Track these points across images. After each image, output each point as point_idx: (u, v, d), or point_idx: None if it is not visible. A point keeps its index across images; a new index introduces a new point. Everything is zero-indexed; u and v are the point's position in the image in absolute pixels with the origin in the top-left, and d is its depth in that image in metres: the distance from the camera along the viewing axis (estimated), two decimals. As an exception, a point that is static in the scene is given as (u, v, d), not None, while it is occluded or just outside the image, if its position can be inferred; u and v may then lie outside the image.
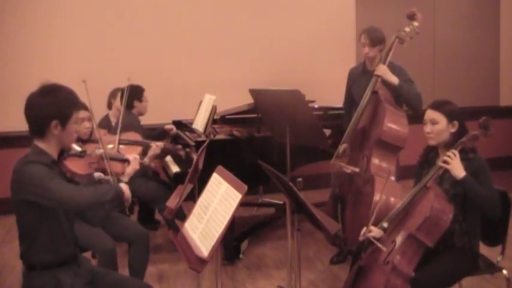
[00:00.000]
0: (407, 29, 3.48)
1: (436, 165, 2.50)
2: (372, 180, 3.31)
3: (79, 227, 2.93)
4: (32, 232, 2.15)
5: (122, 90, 4.11)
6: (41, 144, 2.16)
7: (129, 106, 4.05)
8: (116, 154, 2.82)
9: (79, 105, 2.26)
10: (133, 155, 2.58)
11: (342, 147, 3.44)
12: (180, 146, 3.75)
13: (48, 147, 2.16)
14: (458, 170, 2.42)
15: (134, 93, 4.09)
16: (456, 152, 2.45)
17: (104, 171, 2.60)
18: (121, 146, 3.28)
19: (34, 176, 2.05)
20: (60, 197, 2.06)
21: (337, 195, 3.59)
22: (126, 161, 2.56)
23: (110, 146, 3.10)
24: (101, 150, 2.63)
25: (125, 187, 2.25)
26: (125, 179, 2.40)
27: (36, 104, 2.12)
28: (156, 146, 3.34)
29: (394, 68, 3.50)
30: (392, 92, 3.51)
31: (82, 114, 2.90)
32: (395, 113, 3.40)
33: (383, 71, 3.42)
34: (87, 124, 3.10)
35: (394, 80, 3.43)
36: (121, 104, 4.03)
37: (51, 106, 2.11)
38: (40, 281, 2.17)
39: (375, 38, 3.58)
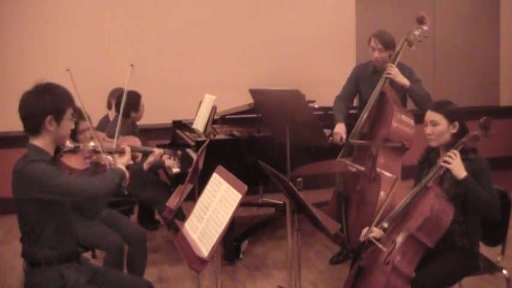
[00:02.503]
0: (416, 32, 3.54)
1: (437, 165, 2.50)
2: (378, 179, 3.32)
3: (86, 225, 2.96)
4: (37, 229, 2.17)
5: (118, 95, 4.06)
6: (37, 143, 2.17)
7: (125, 115, 3.99)
8: (109, 147, 2.82)
9: (73, 102, 2.29)
10: (127, 147, 2.68)
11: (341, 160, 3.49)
12: (179, 152, 3.70)
13: (45, 145, 2.18)
14: (459, 169, 2.42)
15: (131, 103, 3.96)
16: (457, 152, 2.45)
17: (98, 165, 2.64)
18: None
19: (41, 173, 2.09)
20: (71, 190, 2.14)
21: (341, 193, 3.59)
22: (121, 152, 2.67)
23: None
24: (93, 144, 2.66)
25: (121, 166, 2.41)
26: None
27: (30, 101, 2.15)
28: (157, 154, 3.30)
29: (404, 69, 3.54)
30: (399, 93, 3.55)
31: (82, 126, 2.92)
32: (402, 113, 3.43)
33: (395, 73, 3.45)
34: (87, 134, 3.08)
35: (405, 82, 3.47)
36: (116, 111, 4.00)
37: (45, 102, 2.14)
38: (44, 277, 2.18)
39: (386, 43, 3.56)
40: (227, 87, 5.32)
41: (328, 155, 3.71)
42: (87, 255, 3.20)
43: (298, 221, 2.62)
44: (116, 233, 3.04)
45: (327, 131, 3.57)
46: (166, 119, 5.04)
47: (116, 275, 2.48)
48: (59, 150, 2.37)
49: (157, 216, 4.68)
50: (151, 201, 4.03)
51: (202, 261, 1.96)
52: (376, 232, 2.49)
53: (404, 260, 2.43)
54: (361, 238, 2.54)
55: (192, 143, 3.91)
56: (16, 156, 2.22)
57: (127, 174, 2.38)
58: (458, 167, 2.42)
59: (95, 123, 4.11)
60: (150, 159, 3.27)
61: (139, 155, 3.19)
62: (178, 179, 3.64)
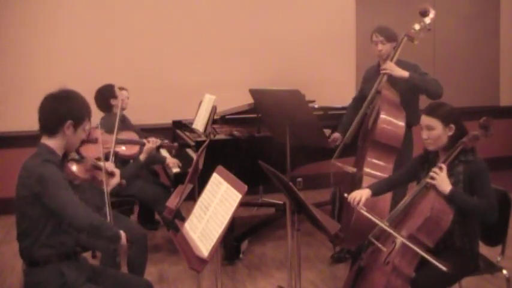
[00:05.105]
0: (417, 27, 3.45)
1: (422, 182, 2.52)
2: (361, 180, 3.33)
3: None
4: (37, 227, 2.18)
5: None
6: (49, 143, 2.23)
7: (108, 108, 4.00)
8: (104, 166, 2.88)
9: (90, 115, 2.36)
10: (117, 171, 2.69)
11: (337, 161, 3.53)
12: (176, 144, 3.88)
13: (56, 147, 2.24)
14: (444, 185, 2.43)
15: (107, 95, 3.96)
16: (443, 166, 2.45)
17: (94, 179, 2.68)
18: (118, 145, 3.35)
19: (51, 177, 2.13)
20: (66, 208, 2.13)
21: (336, 194, 3.61)
22: (111, 174, 2.67)
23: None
24: (93, 160, 2.72)
25: (123, 235, 2.29)
26: (108, 189, 2.56)
27: (54, 103, 2.23)
28: (152, 143, 3.54)
29: (409, 66, 3.49)
30: (409, 92, 3.49)
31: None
32: (391, 112, 3.38)
33: (390, 67, 3.41)
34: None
35: (403, 73, 3.41)
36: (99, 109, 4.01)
37: (69, 107, 2.24)
38: (44, 276, 2.19)
39: (389, 35, 3.55)
40: (227, 87, 5.31)
41: (328, 155, 3.71)
42: (87, 255, 3.20)
43: (298, 221, 2.62)
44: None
45: (327, 131, 3.58)
46: (166, 119, 5.04)
47: (115, 274, 2.49)
48: (66, 156, 2.40)
49: (157, 216, 4.68)
50: (151, 202, 4.03)
51: (202, 261, 1.97)
52: (364, 195, 2.61)
53: (404, 260, 2.43)
54: (352, 205, 2.65)
55: (192, 143, 3.91)
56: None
57: (124, 240, 2.29)
58: (442, 183, 2.43)
59: (95, 124, 4.12)
60: (146, 147, 3.51)
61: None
62: (178, 179, 3.65)
